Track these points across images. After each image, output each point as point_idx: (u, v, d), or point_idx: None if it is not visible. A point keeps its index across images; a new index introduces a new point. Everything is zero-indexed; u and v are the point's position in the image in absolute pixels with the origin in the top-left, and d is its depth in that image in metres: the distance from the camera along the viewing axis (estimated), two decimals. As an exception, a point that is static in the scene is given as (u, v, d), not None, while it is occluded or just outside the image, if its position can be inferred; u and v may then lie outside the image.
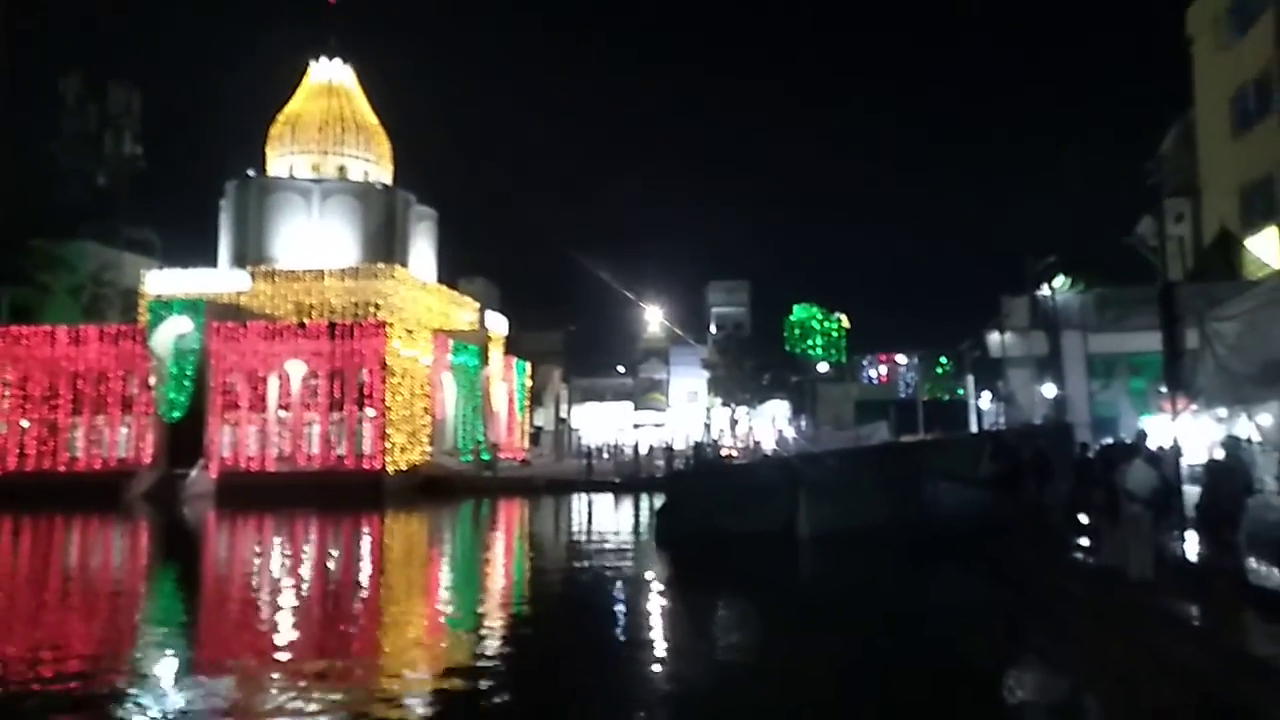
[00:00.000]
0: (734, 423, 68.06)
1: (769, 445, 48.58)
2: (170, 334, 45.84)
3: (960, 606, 15.93)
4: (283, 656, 12.61)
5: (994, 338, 30.56)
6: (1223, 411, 19.55)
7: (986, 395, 42.53)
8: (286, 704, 10.14)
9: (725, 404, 69.63)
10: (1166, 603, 11.11)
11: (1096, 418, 27.22)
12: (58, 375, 46.60)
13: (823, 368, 79.14)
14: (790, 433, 55.83)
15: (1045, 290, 30.07)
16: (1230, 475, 11.76)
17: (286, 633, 14.45)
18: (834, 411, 58.57)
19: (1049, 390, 27.59)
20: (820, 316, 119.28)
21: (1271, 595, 9.98)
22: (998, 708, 9.96)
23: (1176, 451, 15.08)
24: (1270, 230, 27.86)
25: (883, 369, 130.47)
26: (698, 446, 36.62)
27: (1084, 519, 16.65)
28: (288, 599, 17.47)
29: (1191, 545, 13.27)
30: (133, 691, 10.61)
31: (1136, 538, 12.28)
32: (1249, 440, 17.52)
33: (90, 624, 15.27)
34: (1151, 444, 15.53)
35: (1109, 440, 20.16)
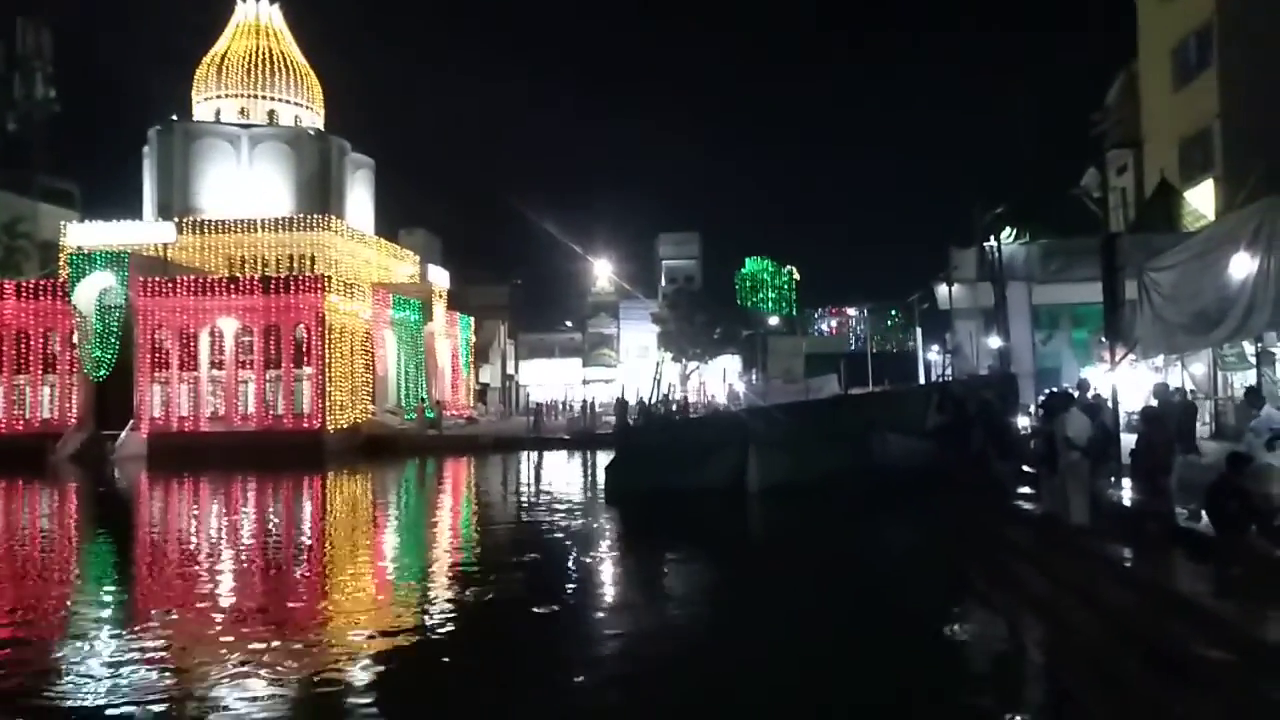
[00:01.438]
0: (685, 377, 67.98)
1: (720, 400, 48.53)
2: (93, 289, 43.73)
3: (904, 554, 16.17)
4: (220, 619, 12.08)
5: (942, 290, 30.56)
6: (1159, 361, 19.77)
7: (935, 347, 42.93)
8: (224, 666, 9.64)
9: (676, 359, 69.42)
10: (1101, 546, 11.36)
11: (1040, 368, 27.46)
12: (-28, 333, 44.26)
13: (774, 321, 79.22)
14: (741, 387, 55.88)
15: (992, 242, 30.08)
16: (1161, 422, 12.08)
17: (224, 595, 13.87)
18: (785, 365, 58.75)
19: (994, 342, 27.73)
20: (772, 269, 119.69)
21: (1198, 537, 10.23)
22: (938, 651, 10.04)
23: (1114, 400, 15.22)
24: (1207, 183, 28.16)
25: (833, 321, 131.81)
26: (646, 402, 36.31)
27: (1026, 468, 16.76)
28: (226, 561, 16.84)
29: (1126, 491, 13.46)
30: (65, 655, 10.23)
31: (1074, 484, 12.46)
32: (1180, 389, 17.75)
33: (19, 589, 14.48)
34: (1090, 393, 15.68)
35: (1050, 390, 20.28)
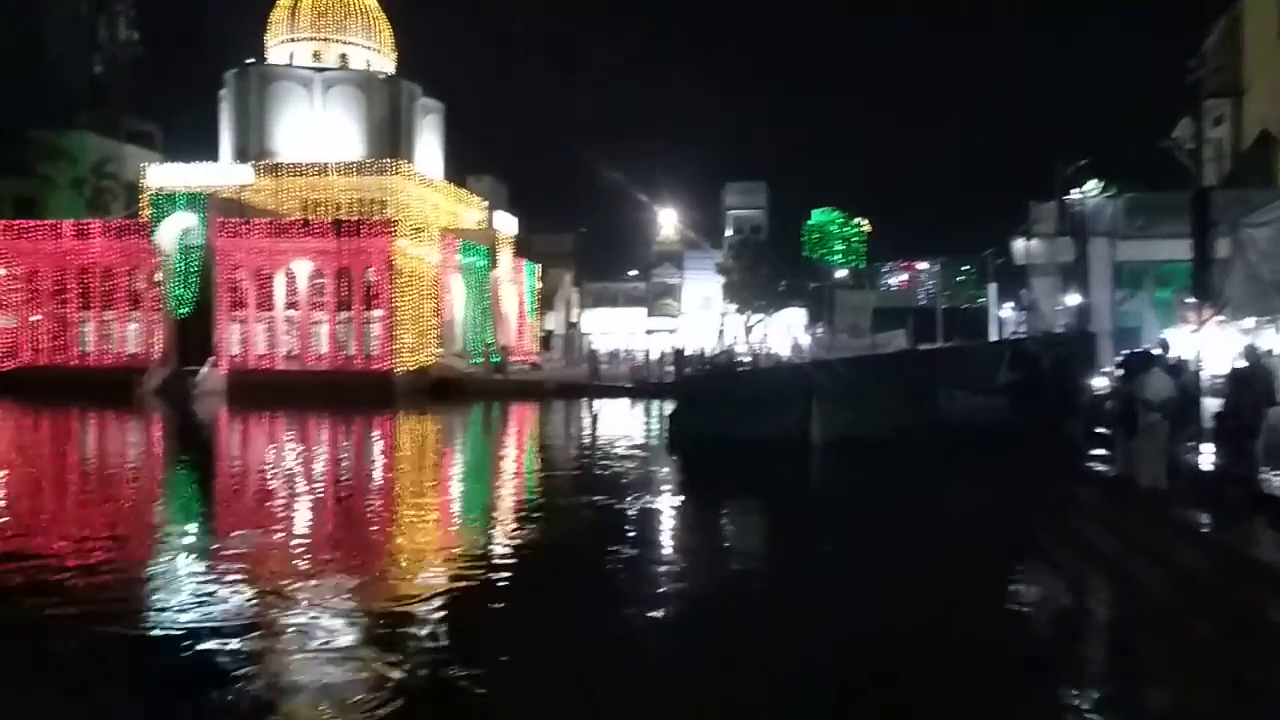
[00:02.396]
0: (748, 329, 67.52)
1: (784, 352, 48.19)
2: (175, 229, 45.21)
3: (970, 512, 15.86)
4: (297, 546, 12.67)
5: (1019, 244, 29.65)
6: (1250, 322, 18.93)
7: (1009, 304, 41.79)
8: (296, 591, 10.12)
9: (740, 310, 68.87)
10: (1175, 510, 11.09)
11: (1119, 328, 26.58)
12: (65, 270, 46.28)
13: (841, 274, 77.81)
14: (806, 340, 55.35)
15: (1075, 195, 28.95)
16: (1250, 384, 11.66)
17: (301, 525, 14.50)
18: (852, 319, 57.85)
19: (1073, 299, 26.87)
20: (840, 221, 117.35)
21: (1282, 503, 9.86)
22: (1001, 611, 9.88)
23: (1198, 362, 14.67)
24: (1314, 135, 26.55)
25: (903, 276, 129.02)
26: (711, 352, 36.26)
27: (1100, 429, 16.32)
28: (303, 495, 17.51)
29: (1207, 455, 13.06)
30: (154, 576, 10.86)
31: (1152, 447, 12.10)
32: (1270, 351, 16.99)
33: (115, 514, 15.43)
34: (1172, 354, 15.14)
35: (1129, 350, 19.64)
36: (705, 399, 24.95)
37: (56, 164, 62.78)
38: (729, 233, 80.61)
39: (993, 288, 40.15)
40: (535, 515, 15.38)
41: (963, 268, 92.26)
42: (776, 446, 21.13)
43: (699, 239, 79.12)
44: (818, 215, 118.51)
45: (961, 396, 21.33)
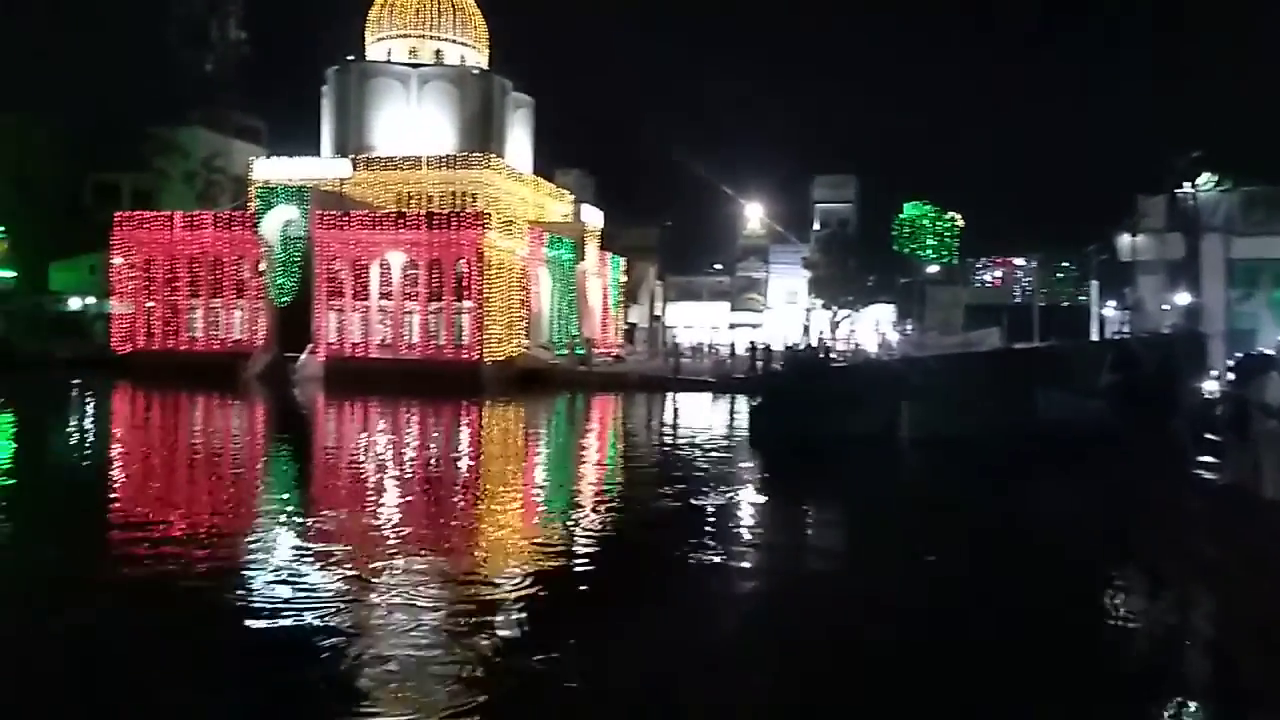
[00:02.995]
0: (835, 325, 66.46)
1: (871, 349, 47.30)
2: (278, 221, 47.09)
3: (1067, 517, 15.23)
4: (389, 525, 13.13)
5: (1124, 240, 28.37)
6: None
7: (1111, 302, 40.02)
8: (389, 567, 10.49)
9: (827, 305, 67.84)
10: None
11: (1233, 329, 25.19)
12: (177, 259, 48.76)
13: (933, 269, 75.66)
14: (894, 336, 54.16)
15: (1186, 188, 27.48)
16: None
17: (393, 504, 15.02)
18: (943, 316, 56.34)
19: (1182, 298, 25.57)
20: (933, 215, 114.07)
21: None
22: (1100, 622, 9.47)
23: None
24: None
25: (998, 272, 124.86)
26: (796, 347, 35.83)
27: (1209, 435, 15.50)
28: (396, 476, 18.12)
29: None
30: (257, 548, 11.43)
31: (1271, 455, 11.40)
32: None
33: (222, 490, 16.31)
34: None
35: (1244, 352, 18.59)
36: (789, 395, 24.69)
37: (171, 158, 66.23)
38: (816, 226, 79.41)
39: (1094, 285, 38.52)
40: (614, 507, 15.48)
41: (1062, 264, 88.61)
42: (862, 444, 20.76)
43: (785, 233, 78.19)
44: (909, 209, 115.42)
45: (1060, 398, 20.61)
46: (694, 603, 9.92)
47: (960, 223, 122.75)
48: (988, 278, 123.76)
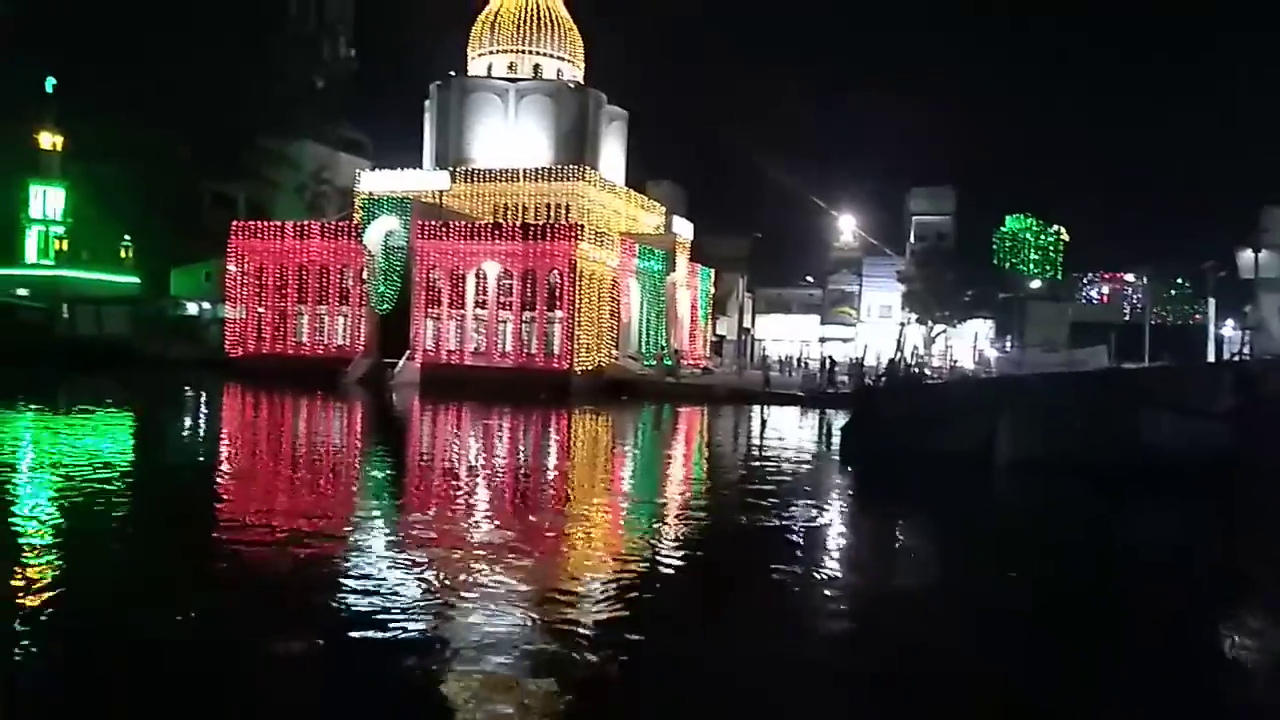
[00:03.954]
0: (931, 340, 64.76)
1: (968, 366, 45.91)
2: (381, 231, 48.81)
3: (1178, 549, 14.39)
4: (479, 524, 13.43)
5: (1246, 255, 26.79)
6: None
7: (1230, 321, 37.80)
8: (477, 564, 10.75)
9: (922, 320, 66.14)
10: None
11: (1369, 353, 23.42)
12: (286, 267, 51.06)
13: (1035, 285, 72.92)
14: (993, 353, 52.42)
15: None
16: None
17: (483, 505, 15.36)
18: (1045, 333, 54.21)
19: (1311, 318, 23.94)
20: (1036, 229, 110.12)
21: None
22: (1210, 666, 8.93)
23: None
24: None
25: (1104, 288, 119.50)
26: (890, 363, 34.98)
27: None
28: (486, 478, 18.52)
29: None
30: (354, 540, 11.90)
31: None
32: None
33: (323, 486, 17.05)
34: None
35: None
36: (882, 411, 24.18)
37: (282, 170, 69.69)
38: (912, 239, 77.62)
39: (1211, 303, 36.45)
40: (700, 521, 15.37)
41: (1176, 280, 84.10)
42: (957, 463, 20.14)
43: (879, 245, 76.67)
44: (1011, 222, 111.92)
45: (1171, 422, 19.55)
46: (775, 627, 9.76)
47: (1065, 236, 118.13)
48: (1094, 294, 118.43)
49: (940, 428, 20.97)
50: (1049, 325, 57.76)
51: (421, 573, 10.89)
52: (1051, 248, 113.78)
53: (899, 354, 29.05)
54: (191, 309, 65.01)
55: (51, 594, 9.88)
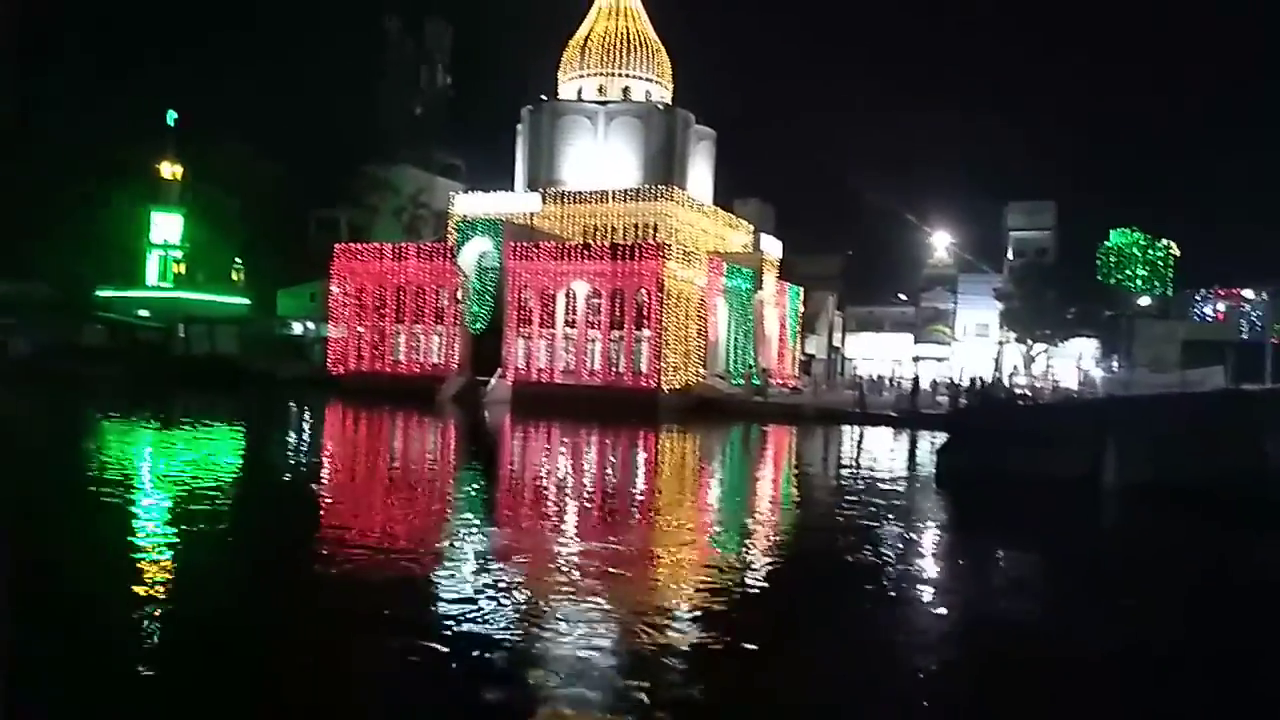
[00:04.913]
0: (1031, 359, 62.49)
1: (1071, 386, 44.10)
2: (474, 253, 50.12)
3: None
4: (569, 543, 13.61)
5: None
6: None
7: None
8: (564, 583, 10.86)
9: (1021, 339, 63.94)
10: None
11: None
12: (385, 288, 52.89)
13: (1143, 302, 69.62)
14: (1098, 373, 50.20)
15: None
16: None
17: (573, 523, 15.53)
18: (1154, 352, 51.57)
19: None
20: (1143, 243, 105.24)
21: None
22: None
23: None
24: None
25: (1220, 305, 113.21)
26: (988, 382, 33.94)
27: None
28: (576, 496, 18.73)
29: None
30: (447, 554, 12.16)
31: None
32: None
33: (417, 501, 17.56)
34: None
35: None
36: (981, 432, 23.41)
37: (382, 195, 72.41)
38: (1010, 256, 75.29)
39: (1343, 321, 34.03)
40: (790, 546, 15.12)
41: (1301, 296, 78.96)
42: (1061, 488, 19.32)
43: (975, 262, 74.63)
44: (1116, 236, 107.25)
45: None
46: (870, 660, 9.51)
47: (1176, 251, 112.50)
48: (1209, 311, 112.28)
49: (1042, 450, 20.17)
50: (1159, 344, 54.93)
51: (509, 590, 11.05)
52: (1160, 262, 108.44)
53: (997, 373, 28.09)
54: (296, 329, 67.95)
55: (158, 595, 10.42)
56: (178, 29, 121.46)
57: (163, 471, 20.82)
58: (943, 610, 11.39)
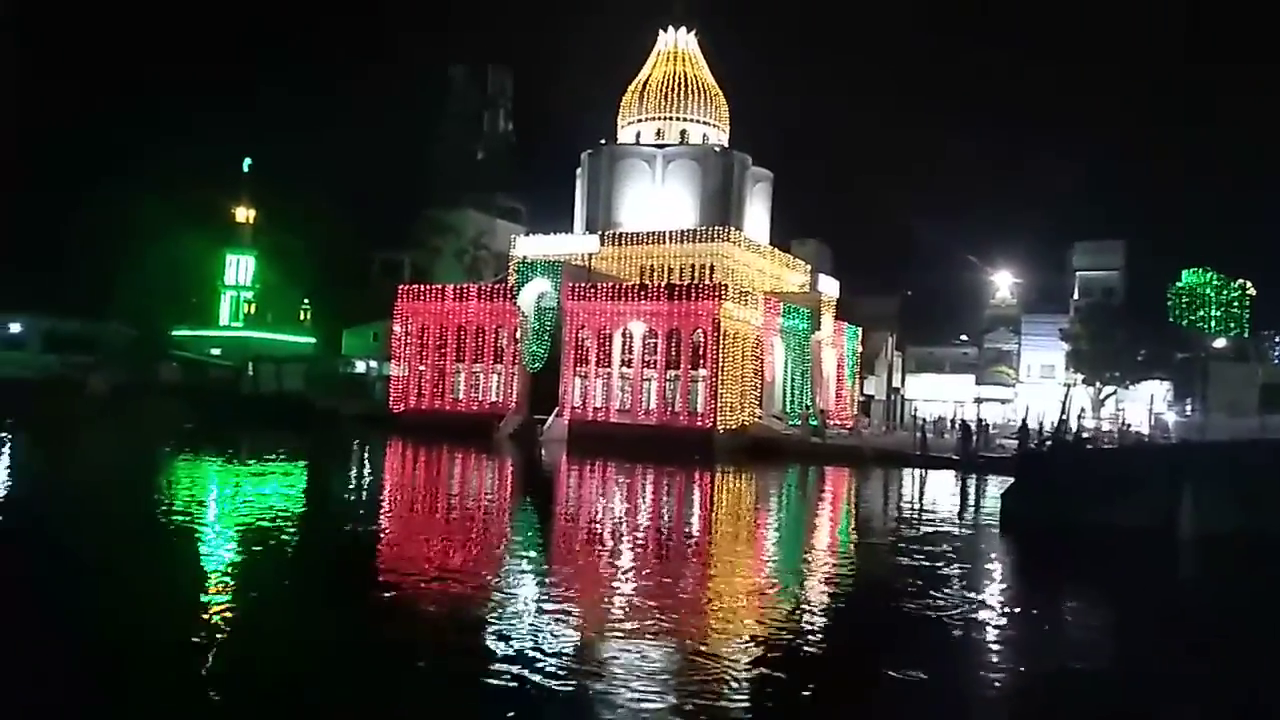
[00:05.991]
0: (1099, 403, 60.61)
1: (1143, 430, 42.58)
2: (533, 293, 50.84)
3: None
4: (623, 585, 13.49)
5: None
6: None
7: None
8: (618, 621, 10.78)
9: (1088, 382, 62.09)
10: None
11: None
12: (446, 328, 53.88)
13: (1219, 344, 67.12)
14: (1171, 417, 48.43)
15: None
16: None
17: (627, 565, 15.44)
18: (1231, 396, 49.42)
19: None
20: (1216, 283, 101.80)
21: None
22: None
23: None
24: None
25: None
26: (1055, 426, 32.94)
27: None
28: (632, 538, 18.62)
29: None
30: (502, 593, 12.16)
31: None
32: None
33: (472, 538, 17.67)
34: None
35: None
36: (1047, 478, 22.69)
37: (444, 237, 74.16)
38: (1076, 296, 73.45)
39: None
40: (848, 596, 14.71)
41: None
42: (1133, 537, 18.58)
43: (1040, 302, 72.96)
44: (1188, 276, 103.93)
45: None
46: None
47: (1252, 291, 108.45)
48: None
49: (1114, 498, 19.50)
50: (1235, 388, 52.68)
51: (562, 633, 11.00)
52: (1235, 303, 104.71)
53: (1064, 416, 27.26)
54: (360, 367, 69.55)
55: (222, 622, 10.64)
56: (251, 79, 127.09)
57: (234, 506, 21.40)
58: (1019, 668, 10.90)
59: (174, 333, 68.71)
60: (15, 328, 67.32)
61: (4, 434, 36.50)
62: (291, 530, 17.93)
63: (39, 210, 63.59)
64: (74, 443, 39.00)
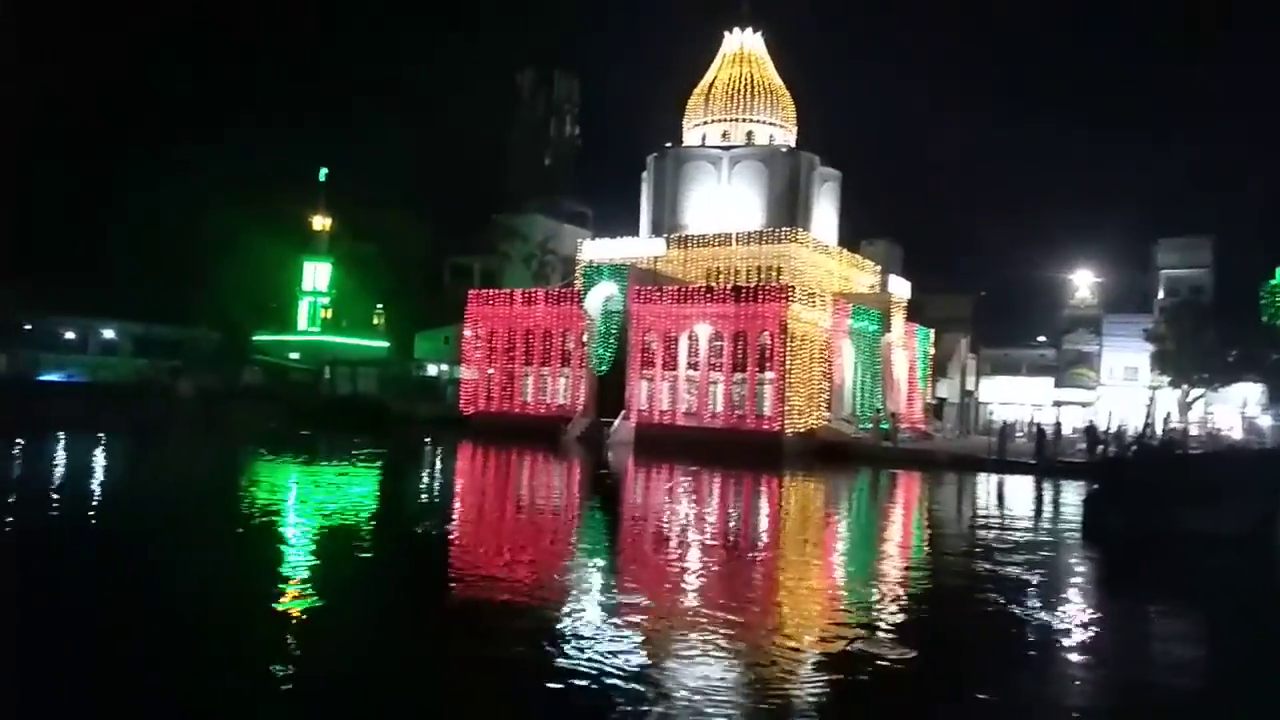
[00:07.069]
0: (1187, 406, 58.16)
1: (1234, 434, 40.76)
2: (600, 297, 51.16)
3: None
4: (688, 593, 13.44)
5: None
6: None
7: None
8: (683, 630, 10.73)
9: (1175, 384, 59.65)
10: None
11: None
12: (515, 331, 54.61)
13: (1316, 344, 63.71)
14: (1266, 420, 46.26)
15: None
16: None
17: (696, 570, 15.41)
18: (1331, 397, 47.16)
19: None
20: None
21: None
22: None
23: None
24: None
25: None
26: (1140, 430, 31.74)
27: None
28: (701, 543, 18.53)
29: None
30: (568, 597, 12.24)
31: None
32: None
33: (540, 541, 17.86)
34: None
35: None
36: (1133, 484, 21.85)
37: (513, 242, 75.19)
38: (1161, 295, 70.68)
39: None
40: (923, 605, 14.35)
41: None
42: (1225, 546, 17.77)
43: (1122, 302, 70.40)
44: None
45: None
46: None
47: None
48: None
49: (1204, 505, 18.66)
50: (1337, 390, 50.11)
51: (628, 640, 11.01)
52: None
53: (1150, 420, 26.26)
54: (432, 370, 70.93)
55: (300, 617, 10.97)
56: (326, 90, 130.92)
57: (318, 506, 22.11)
58: (1111, 686, 10.48)
59: (255, 337, 71.14)
60: (108, 334, 70.56)
61: (106, 435, 38.32)
62: (374, 529, 18.45)
63: (127, 219, 66.49)
64: (171, 444, 40.86)
